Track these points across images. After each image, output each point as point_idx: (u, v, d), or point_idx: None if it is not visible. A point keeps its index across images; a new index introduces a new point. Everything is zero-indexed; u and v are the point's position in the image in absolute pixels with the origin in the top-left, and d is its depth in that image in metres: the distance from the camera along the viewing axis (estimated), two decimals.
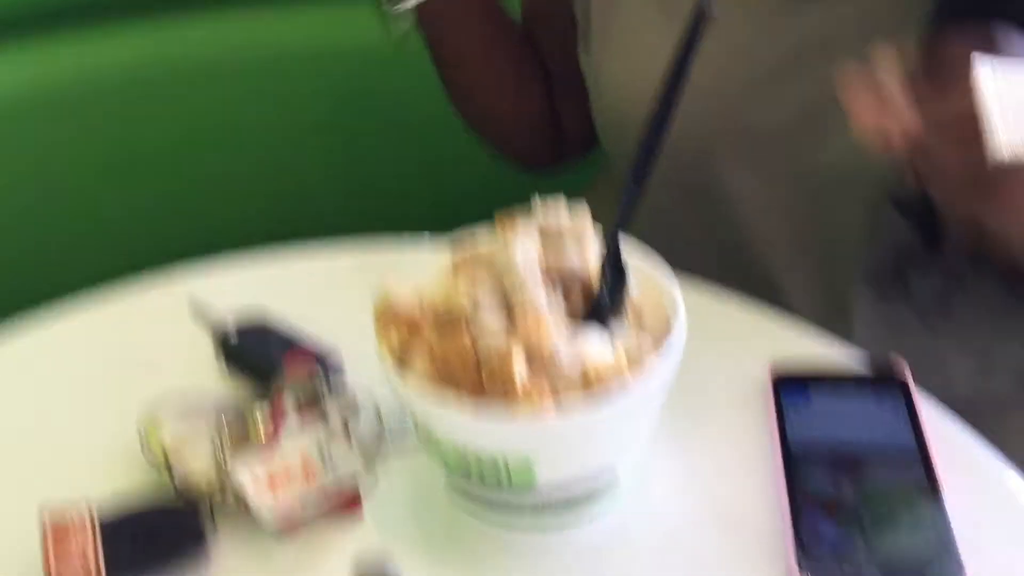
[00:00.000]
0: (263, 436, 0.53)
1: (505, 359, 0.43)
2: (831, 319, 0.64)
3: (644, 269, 0.50)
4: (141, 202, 1.01)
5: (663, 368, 0.45)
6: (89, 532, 0.48)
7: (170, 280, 0.69)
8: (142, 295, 0.68)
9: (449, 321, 0.45)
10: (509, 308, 0.45)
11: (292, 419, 0.54)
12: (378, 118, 1.01)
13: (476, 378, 0.44)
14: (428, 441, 0.48)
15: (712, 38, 0.44)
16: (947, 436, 0.54)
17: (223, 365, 0.61)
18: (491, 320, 0.44)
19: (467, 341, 0.44)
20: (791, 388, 0.56)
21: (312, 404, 0.57)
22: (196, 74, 0.98)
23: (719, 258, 0.72)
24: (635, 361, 0.46)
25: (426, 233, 0.66)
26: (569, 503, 0.48)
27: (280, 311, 0.64)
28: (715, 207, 0.71)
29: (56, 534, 0.47)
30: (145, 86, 0.97)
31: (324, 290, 0.68)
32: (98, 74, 0.96)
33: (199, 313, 0.65)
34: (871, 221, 0.68)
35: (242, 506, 0.51)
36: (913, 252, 0.67)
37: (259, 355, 0.60)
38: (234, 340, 0.61)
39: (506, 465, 0.45)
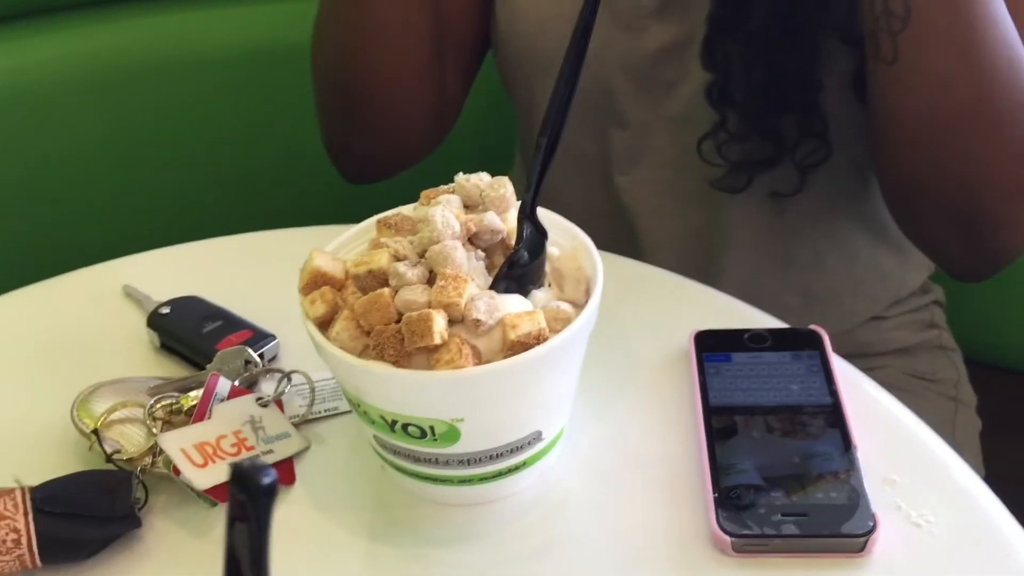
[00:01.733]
0: (194, 409, 0.54)
1: (425, 316, 0.44)
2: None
3: (562, 230, 0.52)
4: (109, 194, 1.00)
5: (580, 322, 0.46)
6: (20, 506, 0.48)
7: (105, 270, 0.70)
8: (78, 284, 0.69)
9: (371, 280, 0.46)
10: (430, 268, 0.47)
11: (223, 391, 0.55)
12: None
13: (397, 337, 0.45)
14: (356, 403, 0.49)
15: None
16: (861, 392, 0.56)
17: (154, 338, 0.61)
18: (411, 277, 0.45)
19: (388, 298, 0.45)
20: (713, 350, 0.58)
21: (244, 376, 0.57)
22: (171, 67, 0.98)
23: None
24: (555, 319, 0.47)
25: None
26: (495, 458, 0.49)
27: (213, 294, 0.64)
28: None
29: None
30: (116, 79, 0.97)
31: (258, 271, 0.69)
32: (62, 67, 0.95)
33: (132, 294, 0.65)
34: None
35: (173, 476, 0.51)
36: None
37: (190, 326, 0.60)
38: (164, 310, 0.61)
39: (430, 422, 0.46)
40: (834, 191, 0.76)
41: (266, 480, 0.21)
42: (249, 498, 0.23)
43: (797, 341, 0.58)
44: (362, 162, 0.84)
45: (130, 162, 1.00)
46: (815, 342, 0.58)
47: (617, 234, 0.79)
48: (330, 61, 0.80)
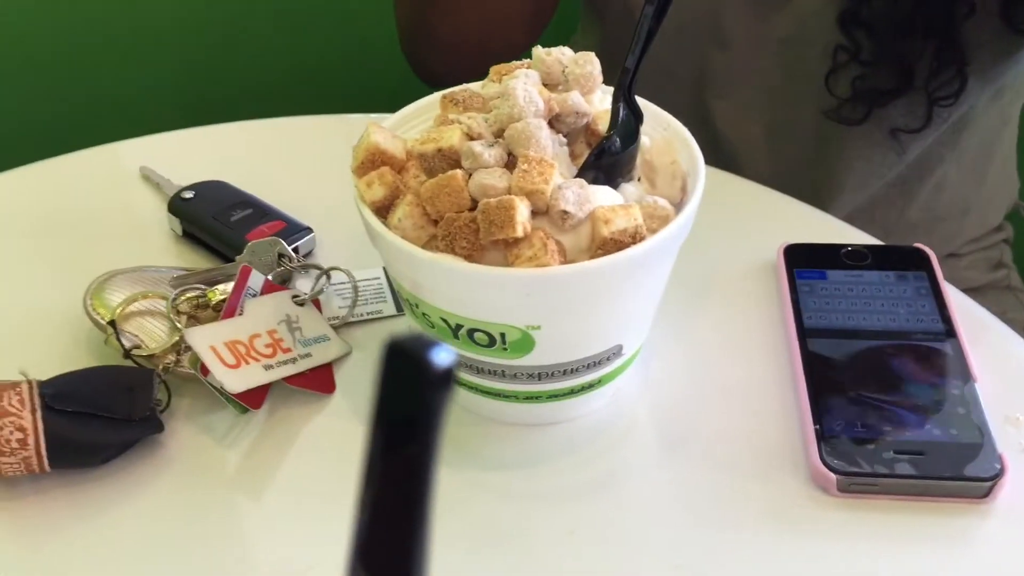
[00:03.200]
0: (223, 304, 0.48)
1: (506, 203, 0.37)
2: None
3: (654, 117, 0.45)
4: (99, 85, 0.93)
5: (682, 221, 0.40)
6: (27, 402, 0.42)
7: (121, 150, 0.63)
8: (91, 163, 0.62)
9: (440, 161, 0.40)
10: (509, 149, 0.40)
11: (256, 286, 0.48)
12: None
13: (471, 227, 0.38)
14: (413, 303, 0.42)
15: None
16: (974, 321, 0.50)
17: (175, 225, 0.55)
18: (488, 158, 0.39)
19: (461, 181, 0.38)
20: (806, 267, 0.51)
21: (277, 271, 0.51)
22: None
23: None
24: (651, 217, 0.40)
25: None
26: (569, 373, 0.43)
27: (241, 180, 0.58)
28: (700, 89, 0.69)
29: None
30: None
31: (292, 159, 0.62)
32: None
33: (150, 178, 0.59)
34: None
35: (201, 376, 0.45)
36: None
37: (216, 213, 0.54)
38: (188, 195, 0.55)
39: (501, 328, 0.40)
40: (952, 127, 0.68)
41: (442, 361, 0.13)
42: (413, 393, 0.15)
43: (902, 260, 0.51)
44: (445, 53, 0.73)
45: (157, 41, 0.93)
46: (922, 262, 0.51)
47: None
48: (409, 27, 0.72)
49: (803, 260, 0.52)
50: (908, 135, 0.66)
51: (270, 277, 0.50)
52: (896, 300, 0.49)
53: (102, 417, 0.43)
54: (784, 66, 0.67)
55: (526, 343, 0.41)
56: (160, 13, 0.91)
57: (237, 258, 0.51)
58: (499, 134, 0.41)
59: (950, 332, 0.47)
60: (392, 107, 0.46)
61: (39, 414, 0.41)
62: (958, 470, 0.41)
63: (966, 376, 0.45)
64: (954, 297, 0.50)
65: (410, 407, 0.15)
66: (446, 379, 0.15)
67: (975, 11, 0.61)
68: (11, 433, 0.41)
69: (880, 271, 0.51)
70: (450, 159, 0.40)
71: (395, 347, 0.15)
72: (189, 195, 0.56)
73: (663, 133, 0.45)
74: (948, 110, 0.65)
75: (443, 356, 0.14)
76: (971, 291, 0.79)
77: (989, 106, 0.70)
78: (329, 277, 0.51)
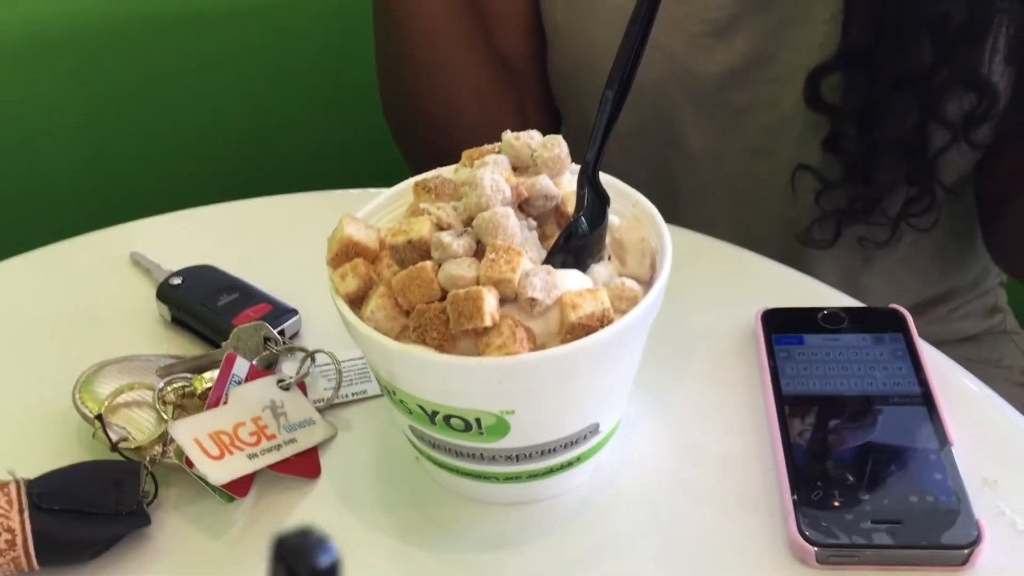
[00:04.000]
0: (208, 392, 0.49)
1: (474, 294, 0.38)
2: None
3: (622, 196, 0.46)
4: (116, 154, 0.95)
5: (650, 301, 0.41)
6: (15, 502, 0.42)
7: (112, 236, 0.64)
8: (81, 250, 0.63)
9: (410, 252, 0.41)
10: (477, 238, 0.41)
11: (241, 373, 0.49)
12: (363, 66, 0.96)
13: (441, 318, 0.39)
14: (391, 390, 0.43)
15: None
16: (950, 381, 0.50)
17: (164, 312, 0.56)
18: (457, 248, 0.40)
19: (430, 273, 0.39)
20: (783, 331, 0.52)
21: (263, 355, 0.52)
22: (185, 20, 0.92)
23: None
24: (619, 299, 0.41)
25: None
26: (547, 454, 0.43)
27: (228, 263, 0.59)
28: (663, 151, 0.70)
29: None
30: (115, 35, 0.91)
31: (277, 239, 0.63)
32: (67, 20, 0.89)
33: (140, 262, 0.60)
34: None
35: (187, 468, 0.46)
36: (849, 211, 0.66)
37: (203, 298, 0.55)
38: (176, 281, 0.56)
39: (476, 414, 0.41)
40: (924, 236, 0.69)
41: (324, 560, 0.14)
42: None
43: (877, 322, 0.52)
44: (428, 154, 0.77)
45: (140, 120, 0.94)
46: (898, 323, 0.52)
47: None
48: (397, 103, 0.75)
49: (780, 325, 0.52)
50: (875, 245, 0.67)
51: (255, 362, 0.51)
52: (873, 363, 0.50)
53: (89, 513, 0.43)
54: (751, 176, 0.68)
55: (501, 427, 0.41)
56: (144, 93, 0.93)
57: (223, 344, 0.52)
58: (468, 222, 0.42)
59: (926, 395, 0.48)
60: (379, 182, 0.47)
61: (26, 514, 0.42)
62: (935, 538, 0.41)
63: (943, 440, 0.45)
64: (930, 356, 0.51)
65: None
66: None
67: (956, 140, 0.62)
68: (2, 544, 0.41)
69: (857, 334, 0.51)
70: (420, 250, 0.41)
71: (282, 546, 0.16)
72: (177, 281, 0.57)
73: (632, 210, 0.46)
74: (915, 224, 0.67)
75: (327, 557, 0.15)
76: (967, 340, 0.79)
77: (954, 206, 0.71)
78: (314, 360, 0.52)
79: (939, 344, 0.77)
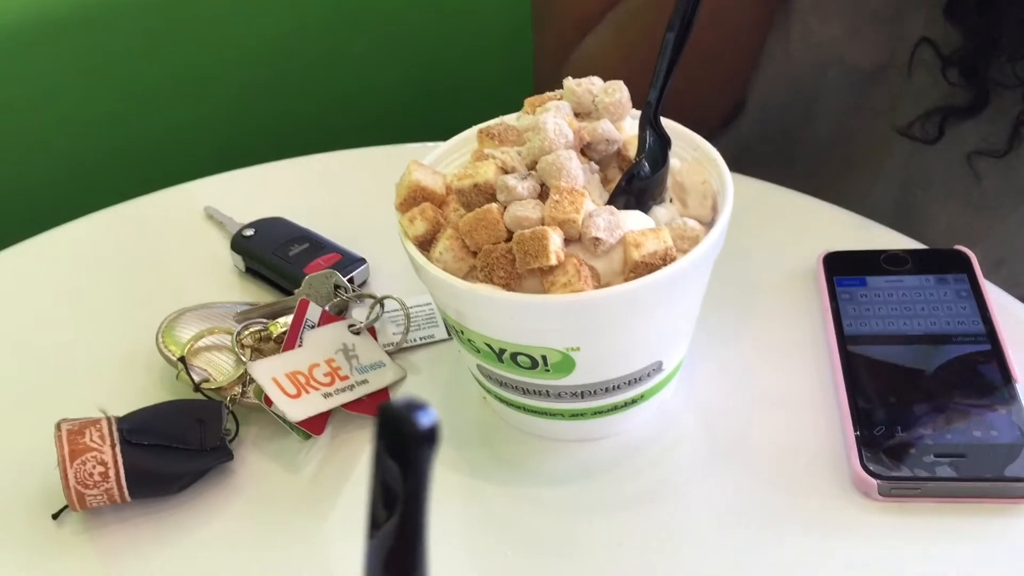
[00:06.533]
0: (284, 336, 0.51)
1: (539, 234, 0.39)
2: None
3: (683, 139, 0.46)
4: (157, 125, 0.97)
5: (711, 241, 0.41)
6: (107, 437, 0.45)
7: (185, 192, 0.66)
8: (157, 206, 0.66)
9: (476, 195, 0.42)
10: (541, 181, 0.42)
11: (314, 317, 0.51)
12: (381, 29, 0.97)
13: (508, 257, 0.41)
14: (459, 330, 0.44)
15: None
16: (1018, 320, 0.50)
17: (238, 262, 0.58)
18: (522, 191, 0.41)
19: (496, 214, 0.41)
20: (845, 274, 0.52)
21: (333, 302, 0.54)
22: None
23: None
24: (681, 238, 0.42)
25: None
26: (611, 391, 0.44)
27: (297, 215, 0.61)
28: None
29: (72, 443, 0.44)
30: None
31: (345, 191, 0.65)
32: None
33: (214, 216, 0.62)
34: None
35: (265, 406, 0.48)
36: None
37: (275, 248, 0.57)
38: (248, 232, 0.58)
39: (542, 351, 0.42)
40: None
41: (425, 423, 0.16)
42: (401, 450, 0.17)
43: (941, 263, 0.52)
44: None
45: (210, 82, 0.97)
46: (962, 264, 0.52)
47: None
48: None
49: (842, 267, 0.53)
50: (995, 159, 0.64)
51: (327, 308, 0.53)
52: (936, 304, 0.50)
53: (176, 448, 0.46)
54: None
55: (567, 364, 0.43)
56: (211, 55, 0.95)
57: (296, 291, 0.54)
58: (532, 166, 0.43)
59: (991, 334, 0.48)
60: (440, 135, 0.49)
61: (118, 448, 0.44)
62: (999, 471, 0.42)
63: (1007, 377, 0.46)
64: (995, 298, 0.50)
65: (399, 464, 0.17)
66: (430, 438, 0.17)
67: None
68: (93, 467, 0.44)
69: (919, 275, 0.51)
70: (486, 193, 0.42)
71: (386, 412, 0.17)
72: (250, 233, 0.59)
73: (693, 154, 0.47)
74: None
75: (427, 419, 0.17)
76: None
77: None
78: (383, 305, 0.54)
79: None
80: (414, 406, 0.16)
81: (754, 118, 0.71)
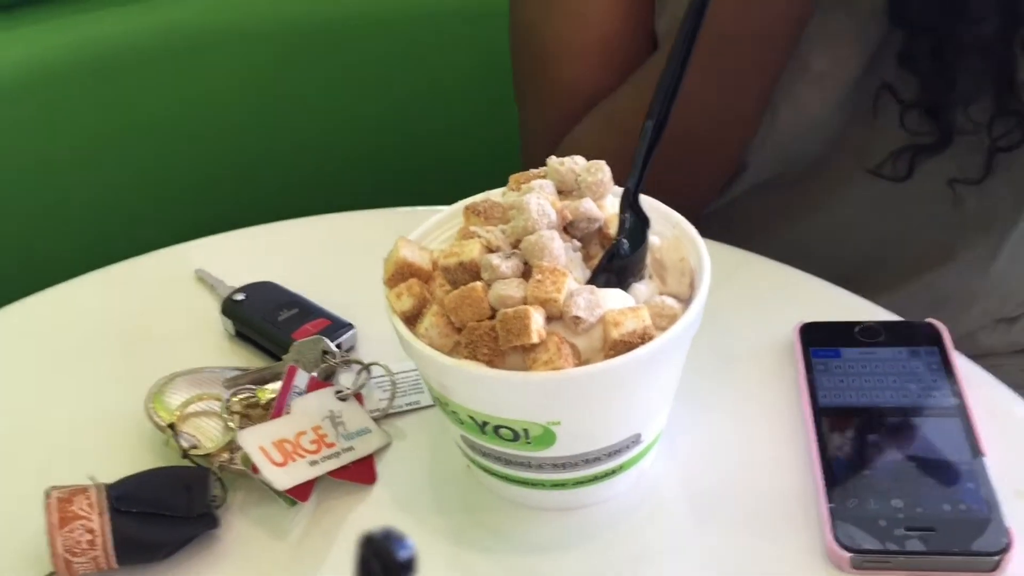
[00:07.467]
0: (272, 403, 0.52)
1: (521, 313, 0.41)
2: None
3: (662, 217, 0.48)
4: (149, 182, 0.99)
5: (688, 320, 0.43)
6: (96, 505, 0.46)
7: (177, 254, 0.67)
8: (149, 268, 0.67)
9: (462, 273, 0.43)
10: (524, 260, 0.43)
11: (301, 384, 0.52)
12: (385, 90, 0.99)
13: (491, 335, 0.42)
14: (442, 402, 0.46)
15: None
16: (985, 393, 0.51)
17: (228, 326, 0.59)
18: (505, 270, 0.42)
19: (481, 293, 0.42)
20: (821, 345, 0.54)
21: (321, 367, 0.55)
22: (190, 48, 0.95)
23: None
24: (659, 316, 0.43)
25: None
26: (591, 462, 0.45)
27: (287, 279, 0.62)
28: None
29: (62, 511, 0.45)
30: (144, 60, 0.95)
31: (334, 256, 0.66)
32: (98, 48, 0.93)
33: (205, 279, 0.63)
34: None
35: (252, 474, 0.49)
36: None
37: (265, 313, 0.58)
38: (239, 297, 0.59)
39: (524, 425, 0.43)
40: (1014, 182, 0.68)
41: (403, 556, 0.17)
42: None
43: (914, 336, 0.53)
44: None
45: (203, 140, 0.98)
46: (934, 337, 0.53)
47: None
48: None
49: (818, 338, 0.54)
50: (970, 186, 0.66)
51: (315, 374, 0.54)
52: (908, 376, 0.51)
53: (163, 515, 0.47)
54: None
55: (548, 437, 0.44)
56: (206, 117, 0.97)
57: (284, 357, 0.55)
58: (516, 245, 0.44)
59: (960, 407, 0.49)
60: (429, 200, 0.50)
61: (107, 516, 0.45)
62: (967, 545, 0.43)
63: (975, 451, 0.47)
64: (965, 369, 0.52)
65: None
66: (408, 569, 0.18)
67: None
68: (81, 535, 0.45)
69: (893, 347, 0.53)
70: (471, 271, 0.43)
71: (367, 543, 0.18)
72: (240, 297, 0.60)
73: (673, 231, 0.48)
74: (1009, 159, 0.65)
75: (405, 552, 0.18)
76: (1021, 352, 0.79)
77: None
78: (369, 371, 0.55)
79: (996, 355, 0.77)
80: (393, 537, 0.18)
81: (749, 179, 0.72)
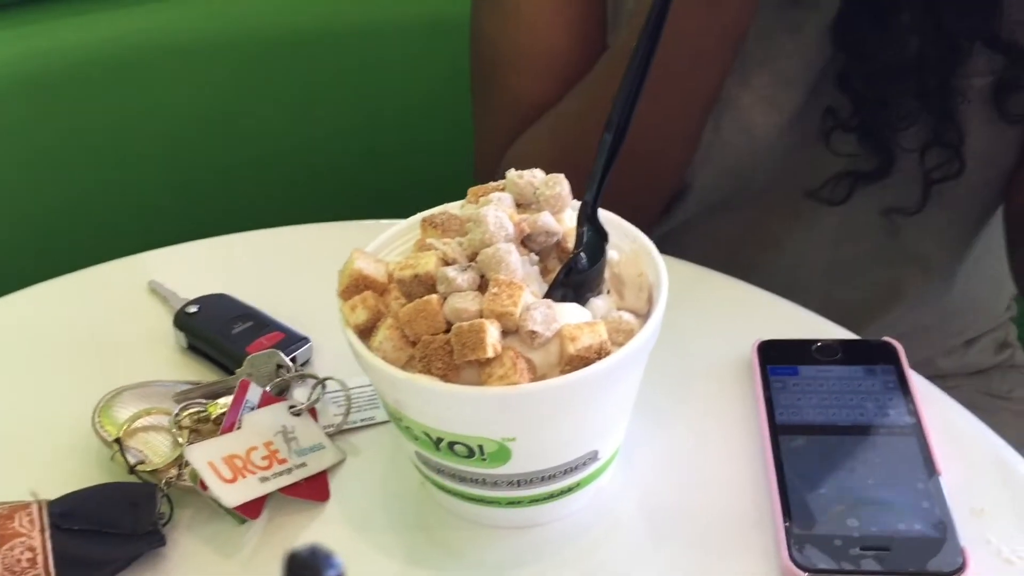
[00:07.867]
0: (223, 417, 0.50)
1: (477, 327, 0.40)
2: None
3: (621, 232, 0.48)
4: (132, 185, 0.97)
5: (645, 336, 0.42)
6: (36, 522, 0.44)
7: (130, 264, 0.66)
8: (101, 279, 0.65)
9: (417, 286, 0.42)
10: (481, 273, 0.43)
11: (254, 399, 0.51)
12: (363, 101, 0.98)
13: (446, 349, 0.41)
14: (397, 417, 0.45)
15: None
16: (940, 412, 0.51)
17: (180, 339, 0.58)
18: (461, 283, 0.42)
19: (436, 306, 0.41)
20: (779, 362, 0.53)
21: (275, 381, 0.54)
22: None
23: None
24: (616, 331, 0.43)
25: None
26: (548, 479, 0.45)
27: (242, 292, 0.61)
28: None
29: (1, 528, 0.44)
30: (124, 68, 0.94)
31: (290, 269, 0.65)
32: (76, 55, 0.92)
33: (158, 291, 0.62)
34: None
35: (201, 491, 0.48)
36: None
37: (218, 326, 0.57)
38: (192, 309, 0.58)
39: (479, 441, 0.43)
40: (953, 218, 0.70)
41: (330, 573, 0.16)
42: None
43: (870, 354, 0.54)
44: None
45: (155, 152, 0.97)
46: (890, 356, 0.53)
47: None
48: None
49: (776, 356, 0.54)
50: (905, 217, 0.67)
51: (268, 388, 0.53)
52: (865, 394, 0.51)
53: (107, 533, 0.45)
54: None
55: (503, 454, 0.43)
56: (163, 128, 0.96)
57: (237, 371, 0.54)
58: (472, 257, 0.44)
59: (916, 425, 0.49)
60: (391, 214, 0.49)
61: (47, 534, 0.44)
62: (921, 565, 0.43)
63: (931, 470, 0.47)
64: (922, 389, 0.52)
65: None
66: None
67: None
68: (21, 553, 0.43)
69: (849, 366, 0.53)
70: (427, 284, 0.43)
71: (293, 561, 0.18)
72: (193, 309, 0.59)
73: (631, 246, 0.48)
74: (945, 192, 0.66)
75: (333, 571, 0.17)
76: (979, 373, 0.81)
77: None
78: (324, 386, 0.54)
79: (953, 376, 0.78)
80: (320, 555, 0.17)
81: (696, 199, 0.72)
